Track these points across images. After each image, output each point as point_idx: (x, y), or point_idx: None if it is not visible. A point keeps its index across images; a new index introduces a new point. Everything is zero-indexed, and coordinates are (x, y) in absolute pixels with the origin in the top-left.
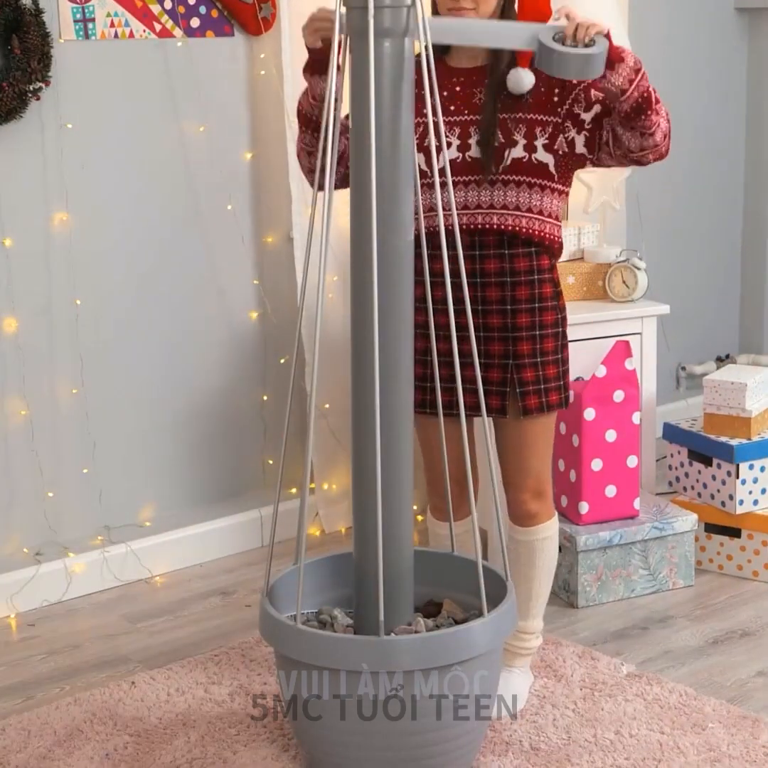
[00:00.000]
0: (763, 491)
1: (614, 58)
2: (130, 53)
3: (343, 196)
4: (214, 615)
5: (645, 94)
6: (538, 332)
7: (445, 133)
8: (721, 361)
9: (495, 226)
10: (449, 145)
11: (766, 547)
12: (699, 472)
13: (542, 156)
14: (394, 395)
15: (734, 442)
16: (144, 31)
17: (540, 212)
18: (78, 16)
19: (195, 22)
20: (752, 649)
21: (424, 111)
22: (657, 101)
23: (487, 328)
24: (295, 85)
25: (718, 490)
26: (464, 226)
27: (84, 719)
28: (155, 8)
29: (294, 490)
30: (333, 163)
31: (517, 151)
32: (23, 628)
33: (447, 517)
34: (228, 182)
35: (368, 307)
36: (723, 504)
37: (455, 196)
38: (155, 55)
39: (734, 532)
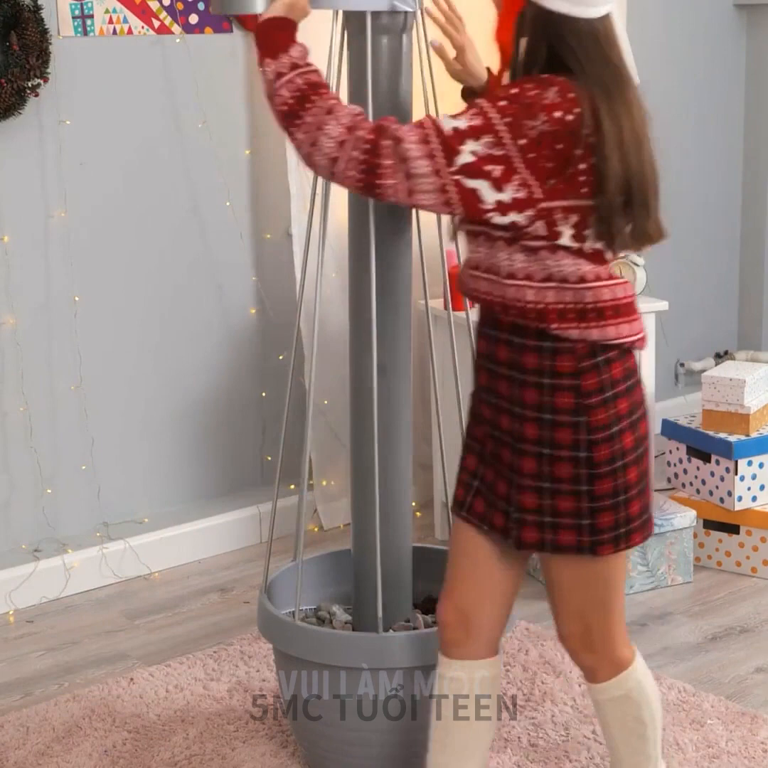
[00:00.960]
0: (762, 488)
1: (254, 32)
2: (128, 50)
3: (342, 192)
4: (213, 611)
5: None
6: (545, 450)
7: None
8: (720, 357)
9: (481, 296)
10: None
11: (764, 544)
12: (697, 468)
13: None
14: (393, 391)
15: (733, 438)
16: (142, 27)
17: (506, 274)
18: (76, 12)
19: (193, 19)
20: (751, 645)
21: None
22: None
23: (499, 429)
24: None
25: (717, 487)
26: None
27: (82, 716)
28: (154, 5)
29: (292, 487)
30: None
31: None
32: (22, 625)
33: (466, 655)
34: (226, 179)
35: (366, 304)
36: (721, 500)
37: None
38: (154, 52)
39: (733, 529)
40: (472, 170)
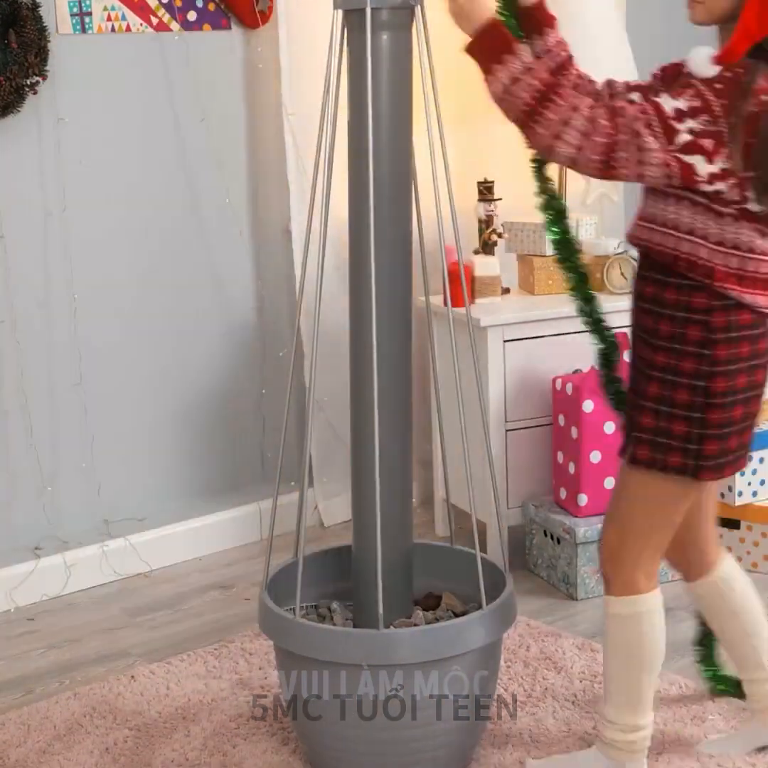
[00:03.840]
0: (762, 483)
1: (470, 49)
2: (127, 47)
3: (342, 189)
4: (214, 609)
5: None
6: (671, 377)
7: None
8: None
9: (653, 247)
10: None
11: (765, 539)
12: None
13: None
14: (393, 388)
15: None
16: (141, 24)
17: (686, 230)
18: (75, 9)
19: (192, 16)
20: None
21: None
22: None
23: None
24: (292, 77)
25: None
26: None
27: (84, 713)
28: (152, 2)
29: (293, 484)
30: (330, 157)
31: None
32: (22, 622)
33: (690, 577)
34: (226, 175)
35: (366, 300)
36: (722, 495)
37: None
38: (152, 49)
39: (733, 524)
40: (690, 147)
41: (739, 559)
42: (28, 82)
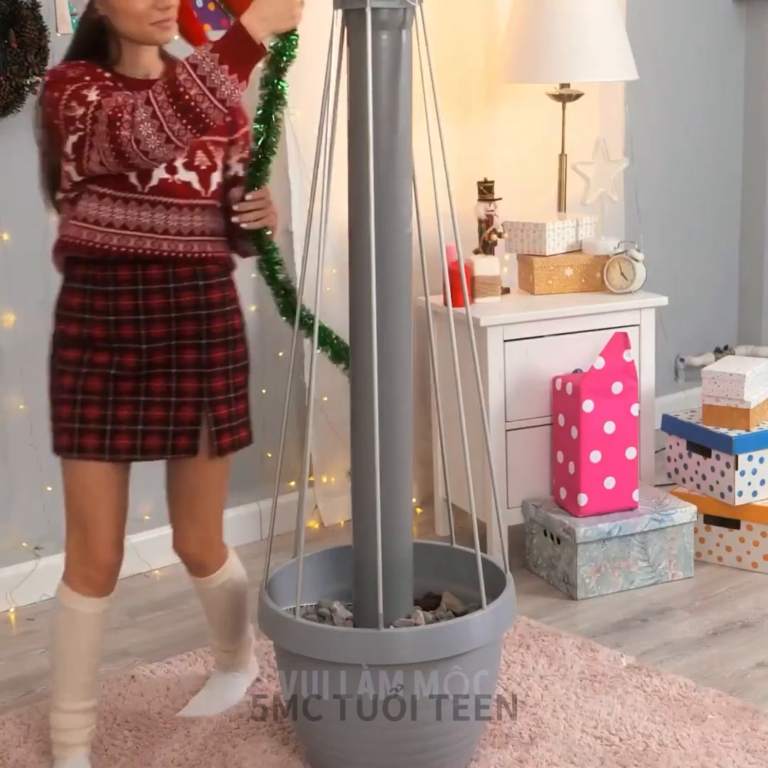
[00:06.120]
0: (762, 482)
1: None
2: None
3: (342, 189)
4: None
5: None
6: (230, 367)
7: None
8: (720, 352)
9: (195, 255)
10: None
11: (765, 538)
12: (698, 463)
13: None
14: (393, 388)
15: (733, 433)
16: None
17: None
18: (75, 9)
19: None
20: (752, 640)
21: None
22: None
23: (181, 365)
24: (292, 77)
25: (717, 482)
26: (172, 254)
27: None
28: None
29: (293, 483)
30: (330, 157)
31: (218, 175)
32: (23, 623)
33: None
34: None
35: (366, 300)
36: (722, 495)
37: (167, 220)
38: None
39: (733, 524)
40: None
41: (739, 558)
42: (28, 82)
